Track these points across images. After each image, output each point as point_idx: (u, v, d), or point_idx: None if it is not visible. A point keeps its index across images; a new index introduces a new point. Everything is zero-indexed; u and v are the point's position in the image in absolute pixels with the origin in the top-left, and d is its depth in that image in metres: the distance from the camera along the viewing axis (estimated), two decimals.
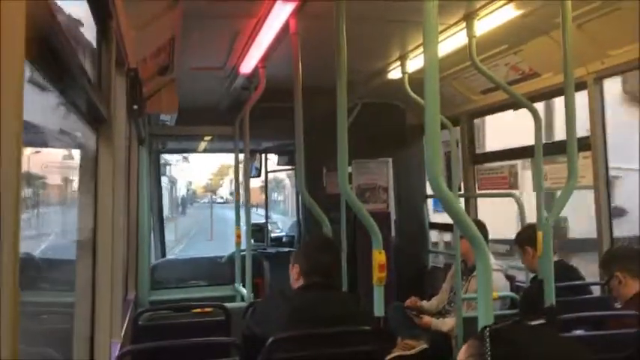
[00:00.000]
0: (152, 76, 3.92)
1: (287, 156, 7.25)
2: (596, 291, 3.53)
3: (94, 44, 2.06)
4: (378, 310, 2.50)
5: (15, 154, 0.76)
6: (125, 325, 2.95)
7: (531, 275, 3.91)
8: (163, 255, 6.83)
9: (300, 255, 2.53)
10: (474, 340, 1.01)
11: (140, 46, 2.96)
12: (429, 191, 5.86)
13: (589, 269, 4.04)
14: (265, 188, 7.81)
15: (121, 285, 2.82)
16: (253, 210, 6.06)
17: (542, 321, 2.57)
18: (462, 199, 5.08)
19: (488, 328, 0.98)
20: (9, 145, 0.74)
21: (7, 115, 0.74)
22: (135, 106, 3.01)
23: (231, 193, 44.11)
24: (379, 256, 2.47)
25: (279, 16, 3.17)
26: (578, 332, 2.73)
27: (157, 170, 6.80)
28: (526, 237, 3.75)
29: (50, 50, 1.14)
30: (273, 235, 7.79)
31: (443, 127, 4.08)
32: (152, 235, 5.87)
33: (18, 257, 0.78)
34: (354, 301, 2.50)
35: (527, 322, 1.08)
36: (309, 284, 2.43)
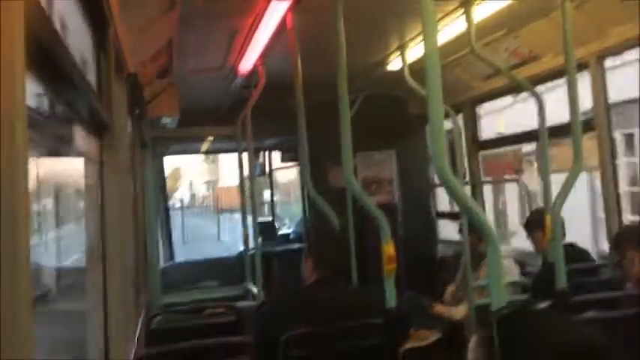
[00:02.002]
0: (152, 80, 3.92)
1: (291, 152, 7.24)
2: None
3: (92, 51, 2.06)
4: (390, 301, 2.50)
5: (22, 165, 0.76)
6: (138, 329, 2.96)
7: (541, 260, 3.90)
8: (172, 258, 6.85)
9: (312, 251, 2.54)
10: (483, 328, 1.01)
11: (138, 51, 2.96)
12: (435, 180, 5.84)
13: None
14: (270, 185, 7.81)
15: (132, 290, 2.83)
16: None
17: (548, 303, 2.57)
18: (468, 187, 5.07)
19: (496, 315, 0.98)
20: (15, 156, 0.74)
21: (11, 124, 0.74)
22: (136, 111, 3.01)
23: (192, 196, 42.60)
24: (388, 248, 2.47)
25: (275, 13, 3.16)
26: (591, 314, 2.73)
27: (162, 174, 6.81)
28: (535, 221, 3.74)
29: (51, 61, 1.14)
30: (280, 232, 7.80)
31: (446, 115, 4.07)
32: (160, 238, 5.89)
33: (29, 266, 0.78)
34: (365, 295, 2.50)
35: (534, 306, 1.08)
36: (321, 279, 2.45)
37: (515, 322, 0.99)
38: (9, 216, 0.72)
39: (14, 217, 0.73)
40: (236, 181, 7.03)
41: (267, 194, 9.39)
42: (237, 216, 7.09)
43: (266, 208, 11.28)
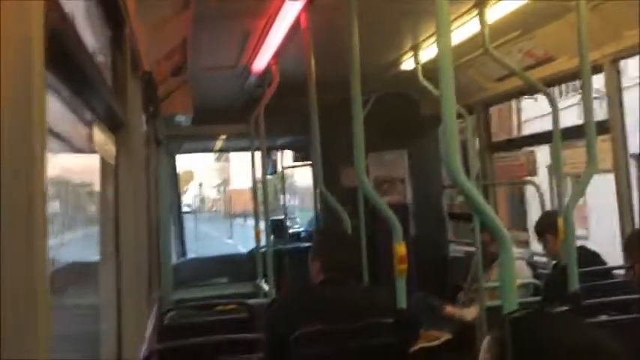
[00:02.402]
0: (166, 78, 3.95)
1: (303, 152, 7.26)
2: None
3: (109, 49, 2.08)
4: (401, 301, 2.50)
5: (40, 162, 0.78)
6: (151, 324, 2.99)
7: (553, 262, 3.88)
8: (184, 254, 6.90)
9: (318, 251, 2.53)
10: (495, 330, 1.01)
11: (153, 49, 2.99)
12: (446, 181, 5.83)
13: None
14: (282, 184, 7.84)
15: (145, 285, 2.86)
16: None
17: (565, 308, 2.56)
18: (480, 188, 5.05)
19: (508, 317, 0.98)
20: (34, 153, 0.76)
21: (30, 121, 0.76)
22: (151, 109, 3.03)
23: (202, 200, 39.85)
24: (400, 249, 2.47)
25: (289, 13, 3.17)
26: (603, 317, 2.71)
27: (174, 172, 6.86)
28: (546, 224, 3.72)
29: (69, 59, 1.15)
30: (292, 230, 7.83)
31: (458, 116, 4.07)
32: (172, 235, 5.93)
33: (46, 263, 0.80)
34: (374, 294, 2.50)
35: (548, 310, 1.08)
36: (329, 279, 2.44)
37: (528, 323, 0.99)
38: (25, 212, 0.73)
39: (31, 213, 0.74)
40: (248, 184, 7.06)
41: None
42: (251, 222, 7.01)
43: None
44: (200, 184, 40.56)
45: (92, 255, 1.85)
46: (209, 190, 42.03)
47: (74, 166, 1.46)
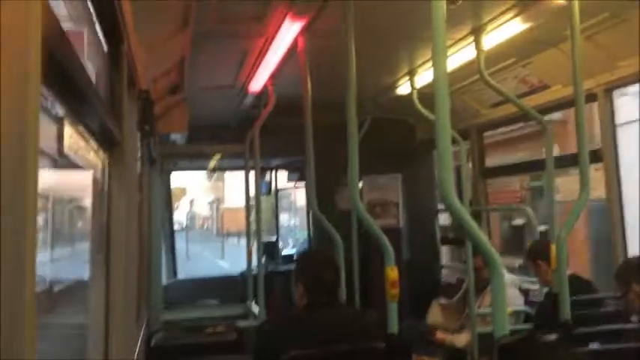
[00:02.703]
0: (162, 96, 3.95)
1: (297, 172, 7.26)
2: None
3: (106, 66, 2.08)
4: (392, 326, 2.48)
5: (32, 175, 0.77)
6: (138, 345, 2.95)
7: (545, 289, 3.87)
8: (175, 274, 6.84)
9: (301, 273, 2.50)
10: (487, 355, 1.01)
11: (151, 68, 3.00)
12: (440, 206, 5.83)
13: None
14: (275, 205, 7.82)
15: (134, 305, 2.82)
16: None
17: (555, 336, 2.54)
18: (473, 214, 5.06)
19: (498, 344, 0.97)
20: (26, 165, 0.75)
21: (24, 136, 0.75)
22: (146, 127, 3.03)
23: (192, 218, 37.12)
24: (392, 273, 2.46)
25: (287, 35, 3.19)
26: (594, 346, 2.70)
27: (168, 190, 6.83)
28: (538, 251, 3.72)
29: (65, 76, 1.15)
30: (284, 252, 7.79)
31: (453, 141, 4.08)
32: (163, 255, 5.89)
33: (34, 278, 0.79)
34: (365, 318, 2.48)
35: (539, 337, 1.08)
36: (314, 302, 2.42)
37: (517, 351, 0.98)
38: (18, 221, 0.73)
39: (23, 222, 0.74)
40: (242, 202, 7.02)
41: (284, 217, 9.11)
42: (244, 242, 6.91)
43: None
44: (191, 201, 39.16)
45: (81, 273, 1.83)
46: (201, 207, 40.29)
47: (63, 181, 1.46)
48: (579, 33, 2.69)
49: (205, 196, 38.14)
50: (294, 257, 7.55)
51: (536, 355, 0.97)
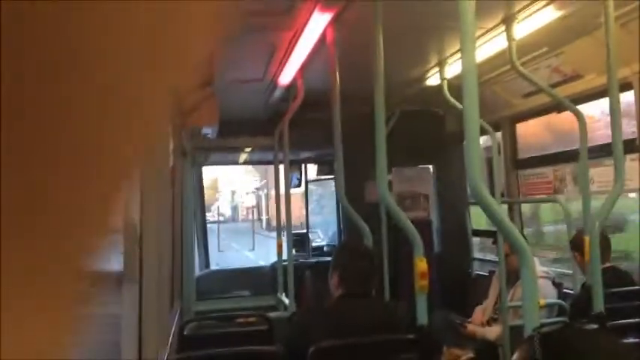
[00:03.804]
0: (192, 90, 4.00)
1: (327, 166, 7.27)
2: None
3: None
4: (422, 318, 2.48)
5: None
6: (171, 335, 3.01)
7: (581, 282, 3.81)
8: (207, 266, 6.94)
9: (337, 264, 2.53)
10: (524, 344, 1.00)
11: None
12: (472, 198, 5.78)
13: None
14: (306, 198, 7.84)
15: (167, 296, 2.88)
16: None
17: (595, 326, 2.51)
18: (506, 206, 5.00)
19: (538, 332, 0.97)
20: None
21: None
22: (177, 121, 3.07)
23: (235, 208, 33.15)
24: (421, 264, 2.46)
25: (316, 27, 3.20)
26: (629, 340, 2.65)
27: (200, 183, 6.92)
28: (577, 242, 3.67)
29: None
30: (314, 244, 7.82)
31: (483, 132, 4.05)
32: (196, 246, 5.98)
33: None
34: (392, 309, 2.49)
35: (578, 326, 1.07)
36: (348, 293, 2.44)
37: (559, 339, 0.97)
38: None
39: None
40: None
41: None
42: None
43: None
44: (232, 192, 35.03)
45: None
46: (244, 196, 34.59)
47: None
48: (613, 20, 2.64)
49: (247, 185, 33.00)
50: (324, 249, 7.58)
51: (572, 343, 0.96)
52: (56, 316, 0.22)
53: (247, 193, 32.68)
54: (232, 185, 34.72)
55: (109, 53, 0.21)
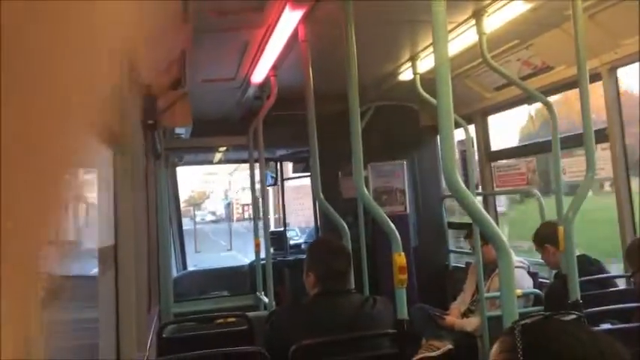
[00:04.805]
0: (165, 91, 3.95)
1: (302, 163, 7.27)
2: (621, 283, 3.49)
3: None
4: (401, 312, 2.49)
5: None
6: (150, 338, 2.97)
7: (554, 272, 3.87)
8: (184, 267, 6.88)
9: (312, 262, 2.50)
10: (505, 336, 1.01)
11: (152, 62, 3.00)
12: (447, 191, 5.83)
13: None
14: (282, 196, 7.83)
15: (145, 298, 2.84)
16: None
17: (574, 316, 2.55)
18: (480, 198, 5.06)
19: (519, 324, 0.98)
20: None
21: None
22: (150, 122, 3.04)
23: (228, 205, 29.66)
24: (399, 259, 2.47)
25: (287, 24, 3.18)
26: (605, 326, 2.70)
27: (175, 184, 6.86)
28: (544, 235, 3.71)
29: None
30: (291, 242, 7.81)
31: (457, 125, 4.08)
32: (172, 247, 5.92)
33: None
34: (374, 304, 2.49)
35: (557, 317, 1.08)
36: (325, 291, 2.42)
37: (540, 329, 0.98)
38: None
39: None
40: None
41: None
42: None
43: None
44: (227, 189, 31.59)
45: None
46: (240, 192, 29.48)
47: None
48: (581, 12, 2.68)
49: (240, 182, 27.72)
50: (302, 246, 7.59)
51: (553, 333, 0.97)
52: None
53: (243, 189, 27.11)
54: (224, 180, 30.63)
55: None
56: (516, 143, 3.98)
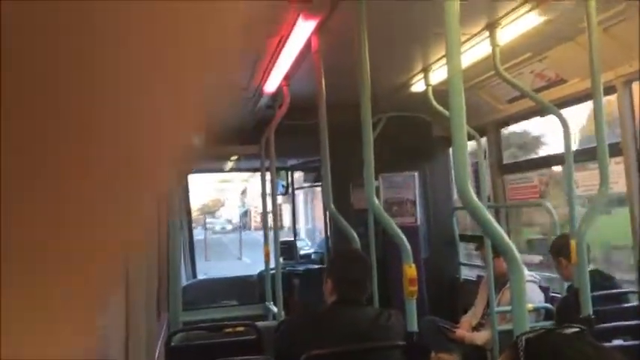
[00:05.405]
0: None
1: (313, 173, 7.27)
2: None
3: None
4: (411, 324, 2.47)
5: None
6: (158, 346, 2.97)
7: (566, 285, 3.83)
8: (194, 275, 6.89)
9: (331, 270, 2.52)
10: (509, 349, 1.00)
11: None
12: (458, 203, 5.80)
13: None
14: (292, 205, 7.84)
15: (154, 307, 2.85)
16: None
17: (576, 329, 2.52)
18: (492, 210, 5.02)
19: (522, 337, 0.97)
20: None
21: None
22: None
23: (245, 214, 28.78)
24: (410, 270, 2.45)
25: (300, 35, 3.20)
26: (617, 342, 2.66)
27: (186, 192, 6.88)
28: (559, 247, 3.68)
29: None
30: (302, 252, 7.80)
31: (470, 137, 4.06)
32: (182, 256, 5.93)
33: None
34: (385, 316, 2.47)
35: (561, 331, 1.07)
36: (341, 299, 2.42)
37: (545, 343, 0.97)
38: None
39: None
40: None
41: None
42: None
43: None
44: (242, 195, 29.93)
45: None
46: (257, 199, 22.36)
47: None
48: (596, 25, 2.66)
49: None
50: (312, 257, 7.57)
51: (556, 347, 0.96)
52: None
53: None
54: (239, 188, 29.69)
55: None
56: (576, 145, 3.88)
